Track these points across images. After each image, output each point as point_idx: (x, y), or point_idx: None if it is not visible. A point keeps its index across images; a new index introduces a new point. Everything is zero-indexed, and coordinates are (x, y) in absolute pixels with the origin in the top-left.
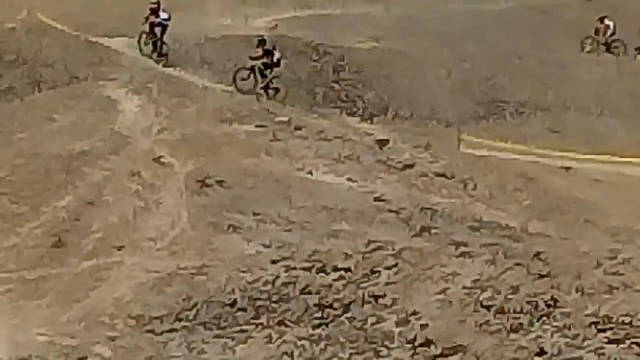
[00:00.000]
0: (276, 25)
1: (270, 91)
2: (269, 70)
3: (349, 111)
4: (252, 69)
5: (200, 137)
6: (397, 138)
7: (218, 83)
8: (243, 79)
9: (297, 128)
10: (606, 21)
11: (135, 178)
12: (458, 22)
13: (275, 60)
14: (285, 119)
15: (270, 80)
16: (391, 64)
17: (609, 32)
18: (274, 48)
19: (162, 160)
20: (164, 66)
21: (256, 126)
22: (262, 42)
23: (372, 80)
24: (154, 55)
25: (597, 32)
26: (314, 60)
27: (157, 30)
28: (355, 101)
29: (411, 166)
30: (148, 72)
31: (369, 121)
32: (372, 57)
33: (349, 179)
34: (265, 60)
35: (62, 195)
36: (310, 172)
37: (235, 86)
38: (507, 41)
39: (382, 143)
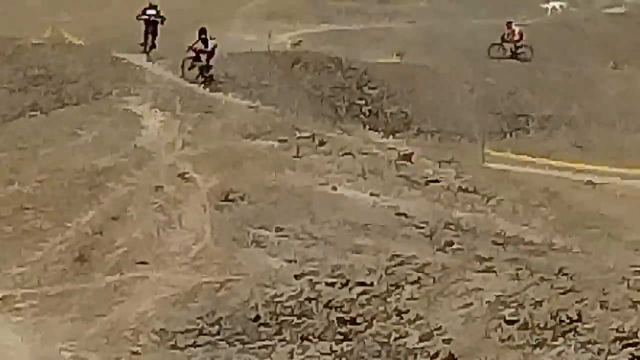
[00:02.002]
0: (300, 40)
1: (204, 79)
2: (207, 59)
3: (372, 126)
4: (195, 58)
5: (223, 152)
6: (421, 153)
7: (242, 99)
8: (189, 69)
9: (321, 143)
10: (513, 26)
11: (159, 193)
12: (482, 37)
13: (209, 49)
14: (309, 134)
15: (205, 69)
16: (415, 78)
17: (516, 38)
18: (211, 37)
19: (185, 175)
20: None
21: (279, 141)
22: (202, 31)
23: (396, 95)
24: (200, 79)
25: (504, 38)
26: (338, 76)
27: (203, 57)
28: (379, 116)
29: (435, 181)
30: (172, 87)
31: (392, 136)
32: (395, 72)
33: (372, 194)
34: (202, 48)
35: (86, 211)
36: (334, 187)
37: (182, 74)
38: (532, 56)
39: (405, 158)
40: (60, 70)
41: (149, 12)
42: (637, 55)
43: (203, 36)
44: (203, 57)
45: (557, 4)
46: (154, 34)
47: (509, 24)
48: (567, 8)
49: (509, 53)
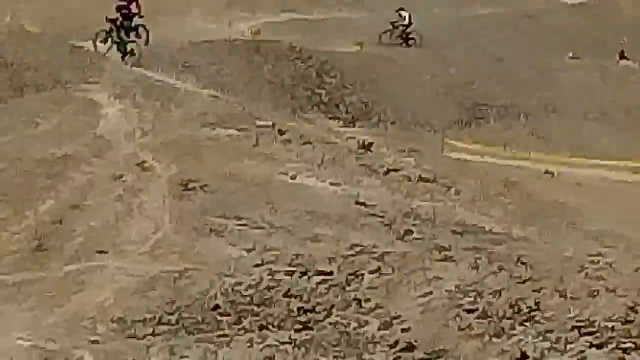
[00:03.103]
0: (259, 29)
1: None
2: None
3: (332, 115)
4: (110, 31)
5: (183, 141)
6: (381, 142)
7: (202, 87)
8: (101, 42)
9: (280, 132)
10: (402, 12)
11: (118, 182)
12: (443, 26)
13: (133, 25)
14: (269, 123)
15: (127, 43)
16: (375, 68)
17: (405, 22)
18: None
19: (145, 164)
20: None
21: (239, 130)
22: (119, 7)
23: (356, 84)
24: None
25: (394, 24)
26: (298, 65)
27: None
28: (339, 105)
29: (395, 170)
30: (131, 76)
31: (352, 125)
32: (355, 61)
33: (331, 183)
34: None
35: (44, 200)
36: (293, 177)
37: (95, 47)
38: (492, 46)
39: (365, 147)
40: (19, 59)
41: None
42: (596, 46)
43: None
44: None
45: None
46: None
47: (399, 9)
48: None
49: (399, 39)
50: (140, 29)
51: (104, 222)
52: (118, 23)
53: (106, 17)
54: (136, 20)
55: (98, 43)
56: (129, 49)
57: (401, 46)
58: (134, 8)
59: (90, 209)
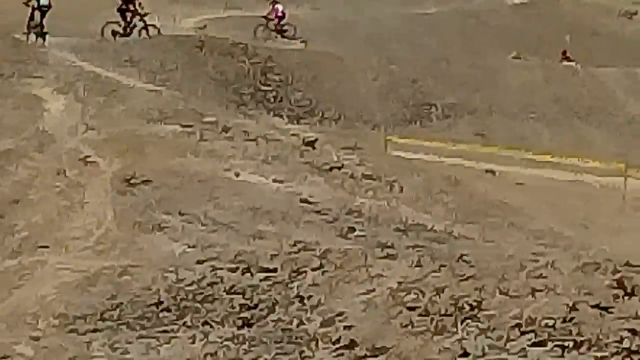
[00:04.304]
0: (205, 25)
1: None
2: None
3: (276, 112)
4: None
5: (126, 136)
6: (324, 139)
7: (146, 83)
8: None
9: (224, 129)
10: (277, 5)
11: (61, 177)
12: (387, 25)
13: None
14: (213, 119)
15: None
16: (319, 65)
17: (279, 14)
18: None
19: (88, 159)
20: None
21: (183, 126)
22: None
23: (300, 81)
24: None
25: (267, 17)
26: (242, 61)
27: (37, 15)
28: (283, 102)
29: (338, 168)
30: (74, 71)
31: (296, 122)
32: (299, 58)
33: (275, 180)
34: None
35: None
36: (237, 173)
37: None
38: (436, 45)
39: (309, 144)
40: None
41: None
42: (539, 46)
43: None
44: (38, 15)
45: None
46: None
47: (273, 3)
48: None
49: (274, 33)
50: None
51: (46, 217)
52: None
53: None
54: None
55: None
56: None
57: (275, 39)
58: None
59: (32, 204)
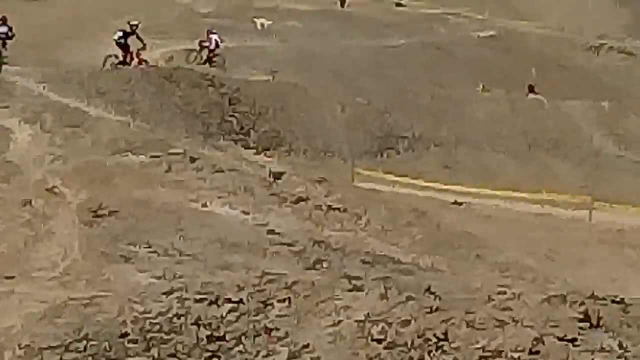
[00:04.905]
0: (172, 56)
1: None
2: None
3: (243, 143)
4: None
5: (93, 167)
6: (292, 171)
7: (113, 113)
8: None
9: (192, 160)
10: (210, 35)
11: (27, 207)
12: (354, 57)
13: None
14: (180, 150)
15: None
16: (286, 97)
17: (212, 46)
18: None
19: (54, 190)
20: None
21: (150, 157)
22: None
23: (267, 113)
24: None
25: (201, 44)
26: (209, 92)
27: None
28: (250, 134)
29: (305, 199)
30: (41, 101)
31: (263, 154)
32: (267, 90)
33: (243, 212)
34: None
35: None
36: (204, 204)
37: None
38: (403, 77)
39: (276, 176)
40: None
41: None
42: (506, 79)
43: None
44: None
45: (265, 22)
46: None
47: (208, 32)
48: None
49: (204, 59)
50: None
51: (12, 247)
52: None
53: None
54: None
55: None
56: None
57: (205, 65)
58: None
59: None
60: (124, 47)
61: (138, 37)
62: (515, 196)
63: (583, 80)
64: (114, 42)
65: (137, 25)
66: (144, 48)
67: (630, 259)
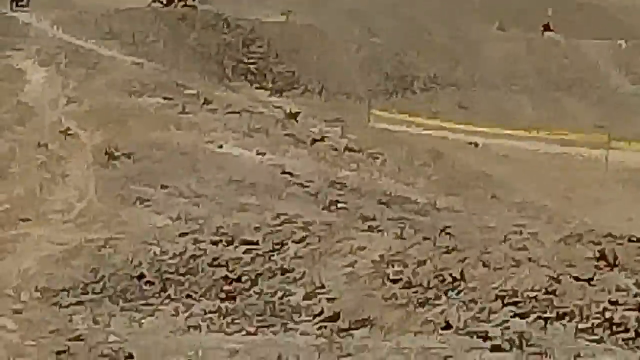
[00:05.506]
0: None
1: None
2: None
3: (258, 84)
4: None
5: (108, 109)
6: (307, 112)
7: (127, 55)
8: None
9: (206, 101)
10: None
11: (42, 150)
12: None
13: None
14: (195, 91)
15: None
16: (301, 38)
17: None
18: None
19: (69, 132)
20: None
21: (165, 99)
22: None
23: (282, 54)
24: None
25: None
26: (224, 33)
27: None
28: (265, 75)
29: (321, 140)
30: (56, 43)
31: (278, 95)
32: (282, 31)
33: (258, 152)
34: None
35: None
36: (220, 146)
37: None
38: (418, 17)
39: (291, 117)
40: None
41: None
42: (522, 18)
43: None
44: None
45: None
46: None
47: None
48: None
49: None
50: None
51: (28, 190)
52: None
53: None
54: None
55: None
56: None
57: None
58: None
59: (13, 177)
60: None
61: None
62: (531, 136)
63: (600, 19)
64: None
65: None
66: None
67: None
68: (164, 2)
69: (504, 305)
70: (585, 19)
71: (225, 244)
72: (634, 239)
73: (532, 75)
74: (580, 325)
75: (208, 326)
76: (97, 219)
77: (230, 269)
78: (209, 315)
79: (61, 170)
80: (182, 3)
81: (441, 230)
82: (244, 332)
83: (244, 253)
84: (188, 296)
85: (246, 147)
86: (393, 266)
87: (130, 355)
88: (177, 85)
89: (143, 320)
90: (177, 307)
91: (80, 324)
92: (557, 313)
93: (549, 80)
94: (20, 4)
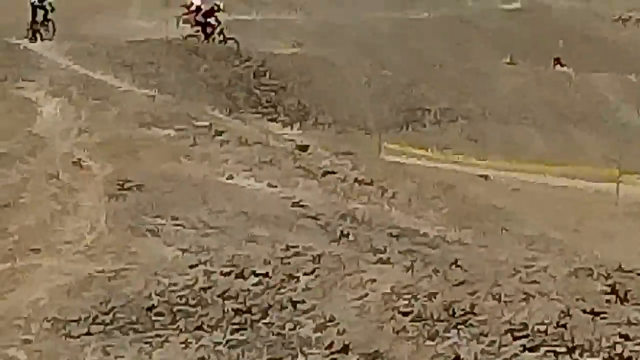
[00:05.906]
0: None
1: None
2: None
3: (269, 117)
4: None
5: (119, 140)
6: (318, 144)
7: (139, 86)
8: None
9: (218, 133)
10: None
11: (54, 181)
12: (379, 29)
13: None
14: (206, 123)
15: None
16: (312, 70)
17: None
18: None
19: (81, 163)
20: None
21: (176, 130)
22: None
23: (293, 86)
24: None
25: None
26: (235, 65)
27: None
28: (276, 107)
29: (331, 172)
30: (68, 74)
31: (289, 127)
32: (293, 63)
33: (269, 185)
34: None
35: None
36: (230, 177)
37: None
38: (428, 50)
39: (302, 149)
40: None
41: None
42: (532, 51)
43: None
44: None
45: None
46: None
47: None
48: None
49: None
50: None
51: (39, 220)
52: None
53: None
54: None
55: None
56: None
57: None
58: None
59: (24, 208)
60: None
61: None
62: (541, 169)
63: (610, 52)
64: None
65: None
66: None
67: None
68: (202, 37)
69: (515, 338)
70: (595, 52)
71: (236, 275)
72: None
73: (543, 108)
74: (591, 359)
75: (218, 358)
76: (108, 250)
77: (240, 300)
78: (219, 346)
79: (72, 201)
80: (220, 38)
81: (452, 263)
82: None
83: (254, 285)
84: (198, 328)
85: (257, 179)
86: (403, 299)
87: None
88: (189, 117)
89: (153, 352)
90: (187, 338)
91: (90, 355)
92: (568, 347)
93: (559, 113)
94: (44, 38)
